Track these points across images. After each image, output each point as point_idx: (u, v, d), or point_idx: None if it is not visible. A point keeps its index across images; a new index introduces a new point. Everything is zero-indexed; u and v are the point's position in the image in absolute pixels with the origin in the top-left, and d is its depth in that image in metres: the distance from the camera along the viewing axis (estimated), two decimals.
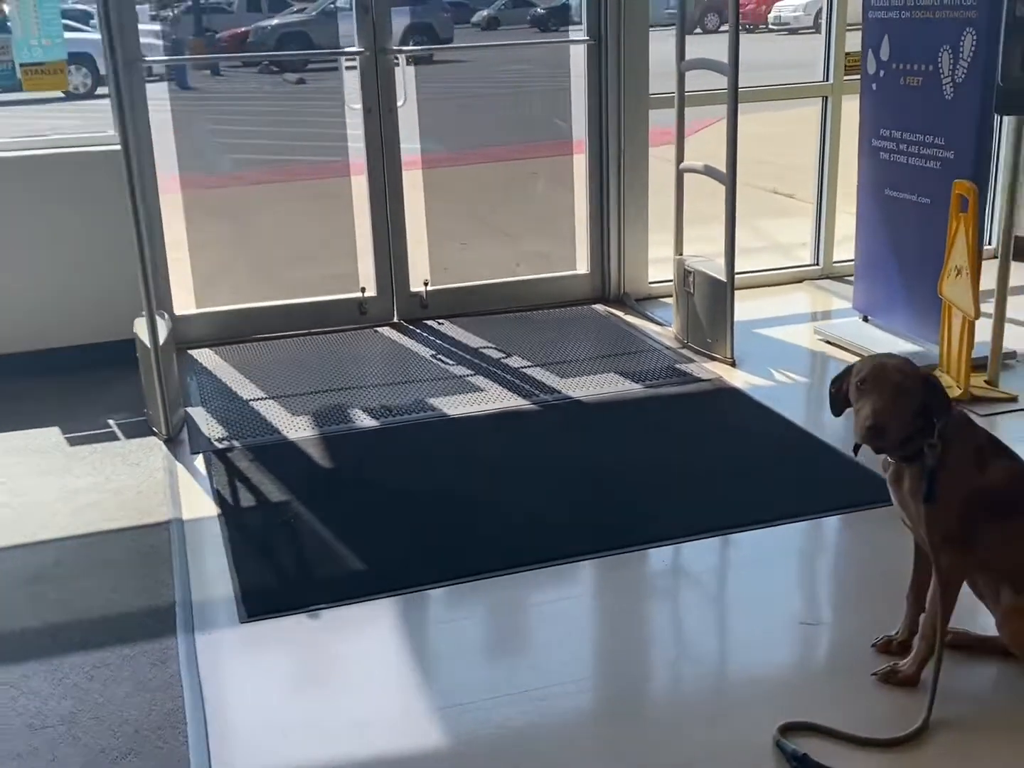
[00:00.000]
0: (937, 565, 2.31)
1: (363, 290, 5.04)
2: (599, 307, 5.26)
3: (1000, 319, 3.98)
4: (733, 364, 4.38)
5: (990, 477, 2.30)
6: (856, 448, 2.34)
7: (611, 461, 3.58)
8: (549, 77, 5.57)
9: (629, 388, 4.18)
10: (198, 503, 3.36)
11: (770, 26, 20.61)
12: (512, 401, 4.10)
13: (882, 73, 4.36)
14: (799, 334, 4.75)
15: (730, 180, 4.24)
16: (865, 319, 4.70)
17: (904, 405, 2.23)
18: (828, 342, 4.60)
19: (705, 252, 4.69)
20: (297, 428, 3.91)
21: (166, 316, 4.11)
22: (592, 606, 2.88)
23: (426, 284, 5.13)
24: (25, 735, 2.30)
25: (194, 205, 4.94)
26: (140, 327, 3.85)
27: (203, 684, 2.45)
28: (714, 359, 4.45)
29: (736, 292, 4.97)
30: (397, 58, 4.86)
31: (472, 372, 4.42)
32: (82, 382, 4.27)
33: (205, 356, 4.72)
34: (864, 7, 4.44)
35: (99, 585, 2.91)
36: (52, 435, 3.91)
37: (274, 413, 4.06)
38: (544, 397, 4.13)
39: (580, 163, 5.28)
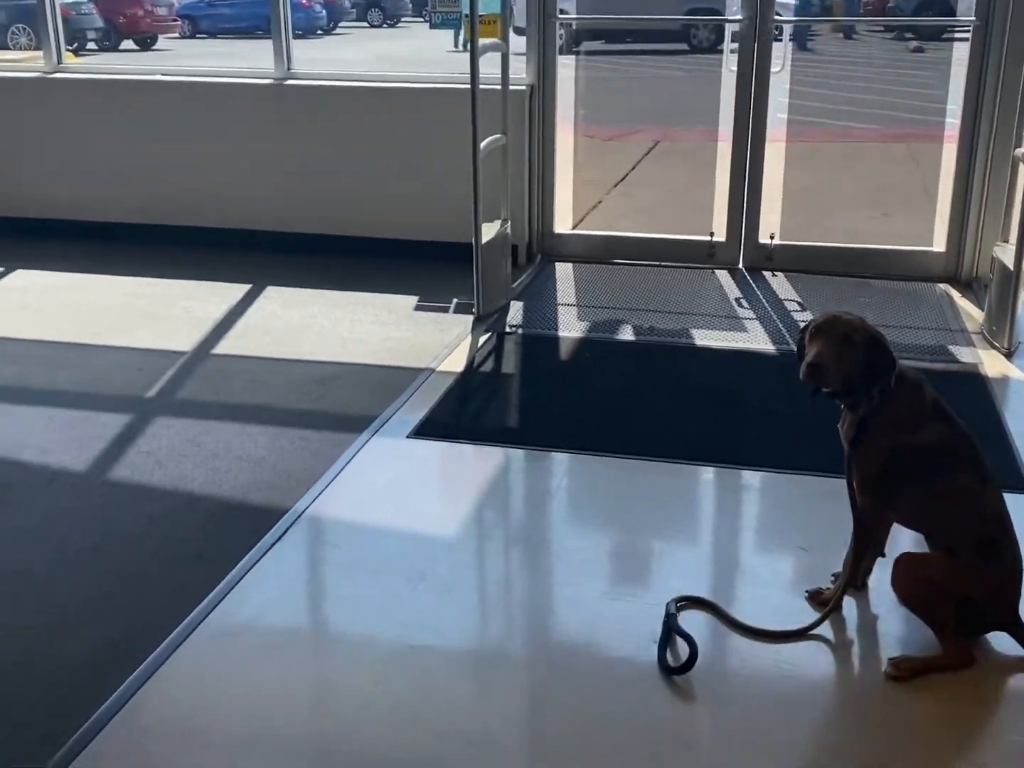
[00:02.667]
0: (854, 504, 2.56)
1: (711, 234, 5.62)
2: (941, 286, 5.28)
3: None
4: (1008, 355, 4.33)
5: (920, 437, 2.48)
6: (812, 394, 2.61)
7: (792, 405, 3.92)
8: (931, 62, 5.59)
9: None
10: (455, 363, 4.34)
11: None
12: (761, 345, 4.51)
13: None
14: None
15: None
16: None
17: (847, 353, 2.49)
18: None
19: None
20: (572, 329, 4.71)
21: (507, 225, 5.11)
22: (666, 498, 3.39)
23: (772, 238, 5.56)
24: (223, 458, 3.49)
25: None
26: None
27: (352, 462, 3.45)
28: (993, 347, 4.41)
29: None
30: (780, 27, 5.33)
31: (754, 317, 4.86)
32: (453, 270, 5.38)
33: (562, 268, 5.65)
34: None
35: (348, 395, 4.05)
36: (408, 301, 5.13)
37: (567, 316, 4.89)
38: (792, 347, 4.47)
39: (948, 151, 5.30)
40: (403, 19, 23.29)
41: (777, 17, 5.32)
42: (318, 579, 2.93)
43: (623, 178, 7.55)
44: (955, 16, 6.92)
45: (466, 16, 5.52)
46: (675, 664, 2.43)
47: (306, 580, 2.93)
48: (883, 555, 2.69)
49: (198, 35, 19.81)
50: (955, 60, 5.31)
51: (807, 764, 2.24)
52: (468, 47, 4.73)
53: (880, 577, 2.64)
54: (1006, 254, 4.40)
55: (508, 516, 3.31)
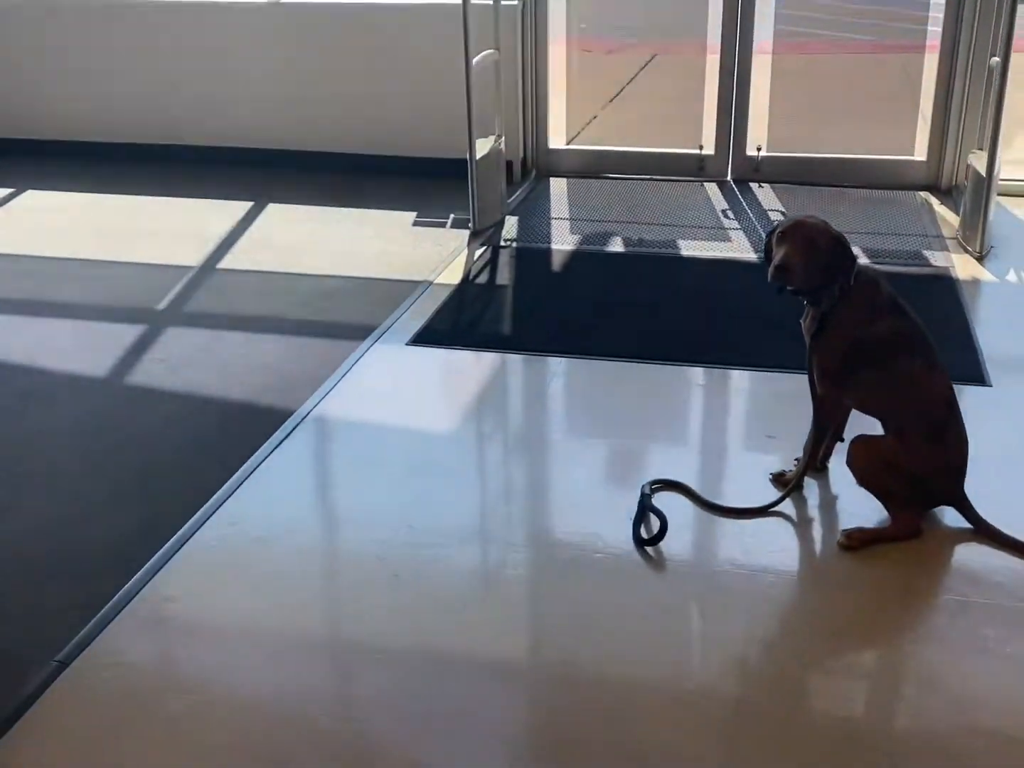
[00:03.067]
0: (814, 392, 2.79)
1: (700, 147, 5.77)
2: (922, 194, 5.45)
3: None
4: (980, 259, 4.52)
5: (876, 329, 2.69)
6: (778, 292, 2.81)
7: (768, 309, 4.11)
8: None
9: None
10: (452, 275, 4.54)
11: None
12: (744, 254, 4.70)
13: None
14: None
15: (1000, 73, 4.31)
16: None
17: (811, 255, 2.68)
18: None
19: None
20: (564, 242, 4.89)
21: (501, 141, 5.26)
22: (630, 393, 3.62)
23: (759, 150, 5.70)
24: (232, 365, 3.72)
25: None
26: (482, 144, 5.04)
27: (353, 368, 3.68)
28: (966, 251, 4.60)
29: None
30: None
31: (738, 227, 5.04)
32: (450, 185, 5.53)
33: (556, 183, 5.81)
34: None
35: (350, 306, 4.25)
36: (406, 217, 5.31)
37: (560, 229, 5.07)
38: None
39: (931, 61, 5.42)
40: None
41: None
42: (323, 470, 3.18)
43: (618, 93, 7.64)
44: None
45: None
46: (648, 536, 2.68)
47: (312, 471, 3.17)
48: (842, 440, 2.92)
49: None
50: None
51: (769, 625, 2.49)
52: None
53: (840, 460, 2.87)
54: (980, 161, 4.56)
55: (502, 414, 3.55)
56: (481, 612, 2.50)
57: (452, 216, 5.28)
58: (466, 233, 5.02)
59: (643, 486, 2.86)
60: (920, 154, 5.57)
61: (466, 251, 4.83)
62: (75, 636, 2.40)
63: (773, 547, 2.70)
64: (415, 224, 5.24)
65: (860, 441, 2.73)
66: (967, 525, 2.69)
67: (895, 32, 6.05)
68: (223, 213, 5.40)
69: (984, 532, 2.67)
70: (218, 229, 5.18)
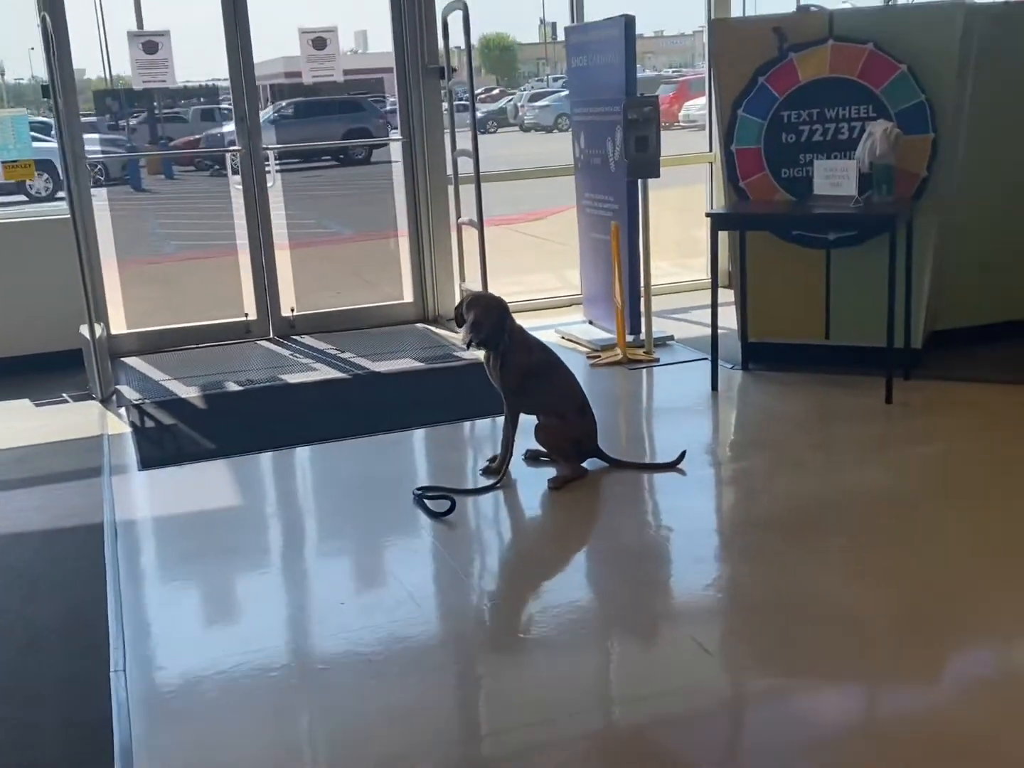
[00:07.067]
0: (507, 404, 4.38)
1: (246, 315, 7.11)
2: (420, 325, 7.35)
3: (648, 313, 6.14)
4: None
5: (534, 357, 4.38)
6: (468, 345, 4.36)
7: (371, 397, 5.63)
8: (383, 177, 7.87)
9: (414, 365, 6.25)
10: (118, 427, 5.36)
11: (681, 123, 22.00)
12: (334, 374, 6.15)
13: (581, 156, 6.57)
14: (552, 335, 6.83)
15: (479, 226, 6.39)
16: (591, 322, 6.84)
17: (490, 315, 4.28)
18: (564, 337, 6.71)
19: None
20: (188, 393, 5.91)
21: (103, 325, 6.14)
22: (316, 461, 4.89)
23: (292, 310, 7.21)
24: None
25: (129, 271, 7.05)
26: (84, 330, 5.88)
27: (114, 491, 4.44)
28: None
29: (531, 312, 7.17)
30: (267, 154, 7.05)
31: (314, 361, 6.48)
32: (51, 374, 6.18)
33: (133, 360, 6.72)
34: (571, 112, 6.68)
35: (53, 462, 4.89)
36: (24, 403, 5.90)
37: (175, 386, 6.06)
38: (356, 371, 6.19)
39: (404, 238, 7.49)
40: None
41: (265, 147, 7.04)
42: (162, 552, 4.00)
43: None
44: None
45: (4, 162, 6.44)
46: (442, 511, 4.02)
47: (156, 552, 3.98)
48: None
49: None
50: (394, 170, 7.54)
51: (518, 541, 3.95)
52: None
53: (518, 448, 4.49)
54: (475, 287, 6.58)
55: (234, 495, 4.55)
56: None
57: (65, 394, 5.97)
58: (93, 403, 5.79)
59: (413, 490, 4.18)
60: (409, 298, 7.50)
61: (109, 412, 5.62)
62: None
63: (508, 501, 4.22)
64: (37, 406, 5.84)
65: (541, 426, 4.37)
66: (604, 464, 4.44)
67: (372, 224, 8.12)
68: None
69: (615, 464, 4.42)
70: None
